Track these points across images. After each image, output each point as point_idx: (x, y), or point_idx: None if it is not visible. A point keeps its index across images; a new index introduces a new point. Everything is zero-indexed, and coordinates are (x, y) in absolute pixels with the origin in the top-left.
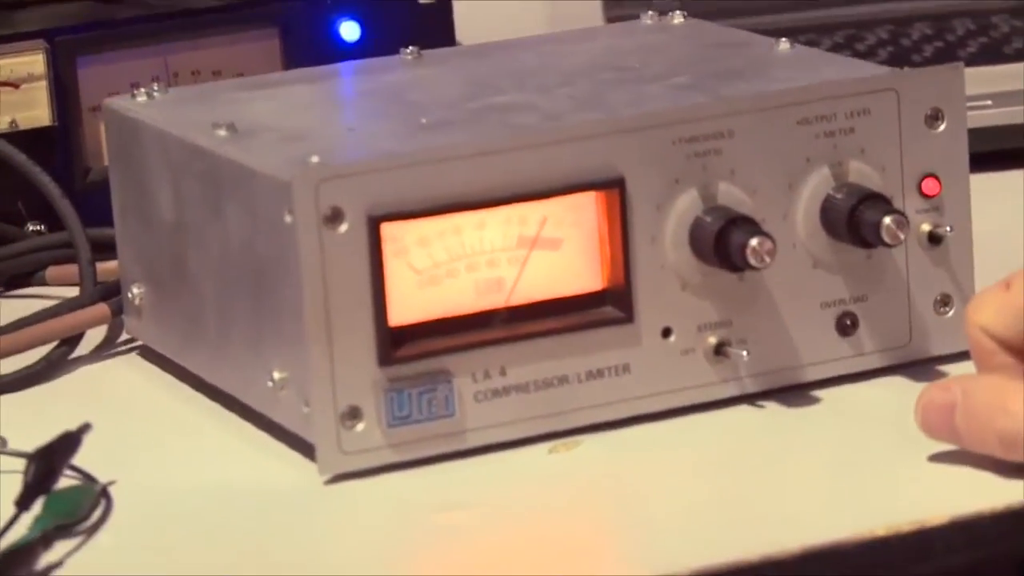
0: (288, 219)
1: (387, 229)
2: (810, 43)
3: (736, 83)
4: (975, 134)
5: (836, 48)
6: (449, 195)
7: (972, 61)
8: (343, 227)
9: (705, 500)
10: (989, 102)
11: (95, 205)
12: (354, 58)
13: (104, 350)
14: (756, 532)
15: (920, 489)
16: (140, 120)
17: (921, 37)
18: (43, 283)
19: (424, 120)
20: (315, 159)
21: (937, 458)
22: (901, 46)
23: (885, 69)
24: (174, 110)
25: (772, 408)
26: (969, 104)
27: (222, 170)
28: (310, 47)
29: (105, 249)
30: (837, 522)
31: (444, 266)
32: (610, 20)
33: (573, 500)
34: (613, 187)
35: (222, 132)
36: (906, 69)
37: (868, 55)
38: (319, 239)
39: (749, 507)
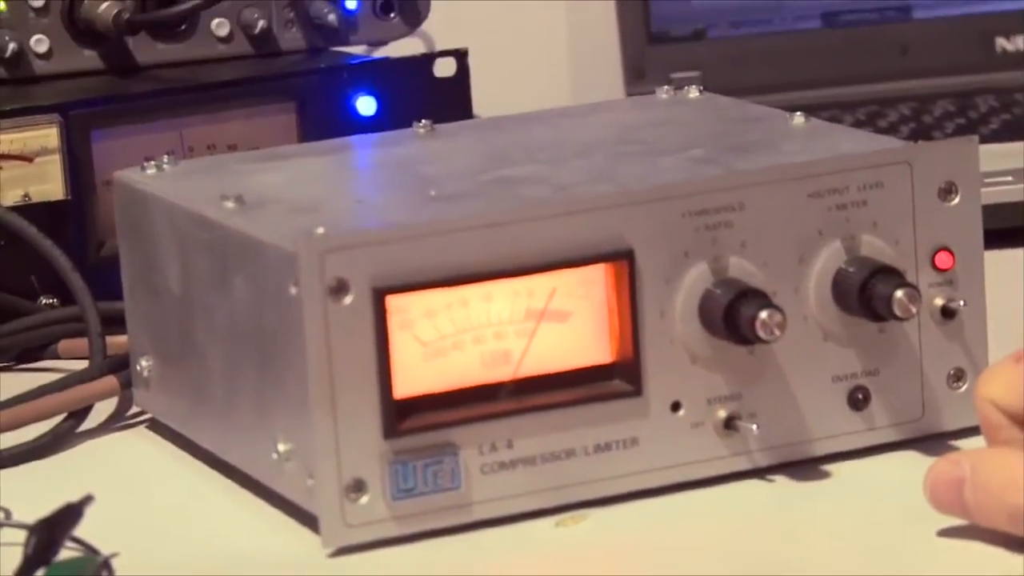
0: (293, 290)
1: (392, 301)
2: (832, 119)
3: (749, 156)
4: (996, 210)
5: (858, 124)
6: (456, 267)
7: (994, 138)
8: (348, 299)
9: (711, 575)
10: (1010, 178)
11: (109, 278)
12: (371, 132)
13: (113, 423)
14: None
15: (932, 564)
16: (149, 192)
17: (943, 114)
18: (55, 356)
19: (433, 192)
20: (320, 230)
21: (948, 533)
22: (923, 123)
23: (898, 142)
24: (183, 182)
25: (782, 482)
26: (990, 180)
27: (229, 241)
28: (326, 121)
29: (117, 322)
30: None
31: (450, 338)
32: (631, 94)
33: (579, 574)
34: (622, 260)
35: (230, 204)
36: (920, 142)
37: (890, 131)
38: (324, 311)
39: None
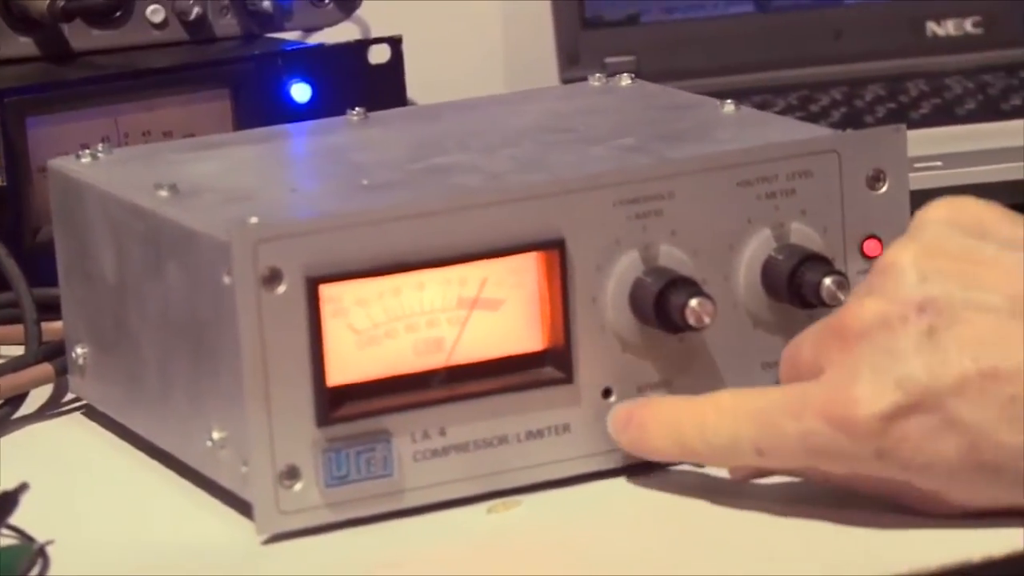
0: (226, 280)
1: (326, 290)
2: (764, 104)
3: (679, 144)
4: (926, 195)
5: (789, 109)
6: (388, 256)
7: (924, 122)
8: (281, 288)
9: (645, 560)
10: (940, 163)
11: (45, 265)
12: (306, 119)
13: (48, 410)
14: None
15: (855, 541)
16: (83, 180)
17: (875, 98)
18: None
19: (365, 181)
20: (254, 219)
21: (877, 515)
22: (854, 107)
23: (827, 131)
24: (117, 170)
25: (713, 468)
26: (920, 165)
27: (162, 230)
28: (261, 108)
29: (52, 309)
30: None
31: (383, 326)
32: (565, 81)
33: (512, 561)
34: (553, 248)
35: (163, 192)
36: (848, 131)
37: (821, 116)
38: (257, 300)
39: (689, 566)
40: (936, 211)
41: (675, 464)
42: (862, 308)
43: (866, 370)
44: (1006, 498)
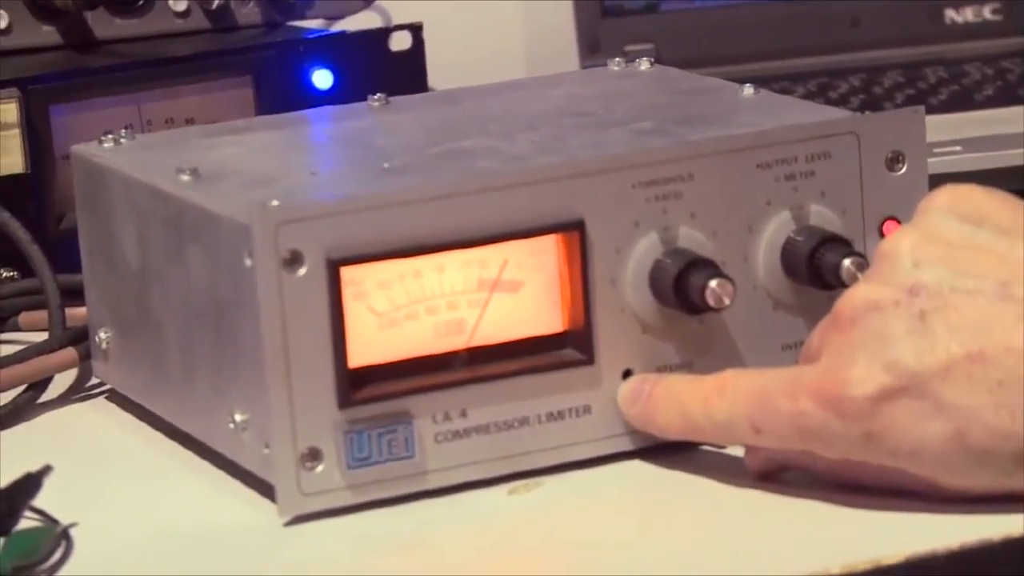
0: (248, 262)
1: (347, 272)
2: (783, 91)
3: (698, 127)
4: (945, 180)
5: (808, 96)
6: (409, 238)
7: (943, 108)
8: (302, 270)
9: (666, 541)
10: (959, 148)
11: (69, 251)
12: (326, 105)
13: (72, 394)
14: (713, 571)
15: (876, 529)
16: (106, 166)
17: (893, 85)
18: (16, 328)
19: (387, 164)
20: (275, 202)
21: (893, 498)
22: (873, 94)
23: (846, 113)
24: (140, 156)
25: (733, 449)
26: (939, 150)
27: (185, 214)
28: (283, 95)
29: (76, 295)
30: (794, 561)
31: (404, 309)
32: (585, 67)
33: (534, 542)
34: (573, 230)
35: (185, 177)
36: (867, 113)
37: (840, 103)
38: (278, 282)
39: (710, 548)
40: (937, 199)
41: (694, 445)
42: (856, 293)
43: (860, 353)
44: (998, 483)
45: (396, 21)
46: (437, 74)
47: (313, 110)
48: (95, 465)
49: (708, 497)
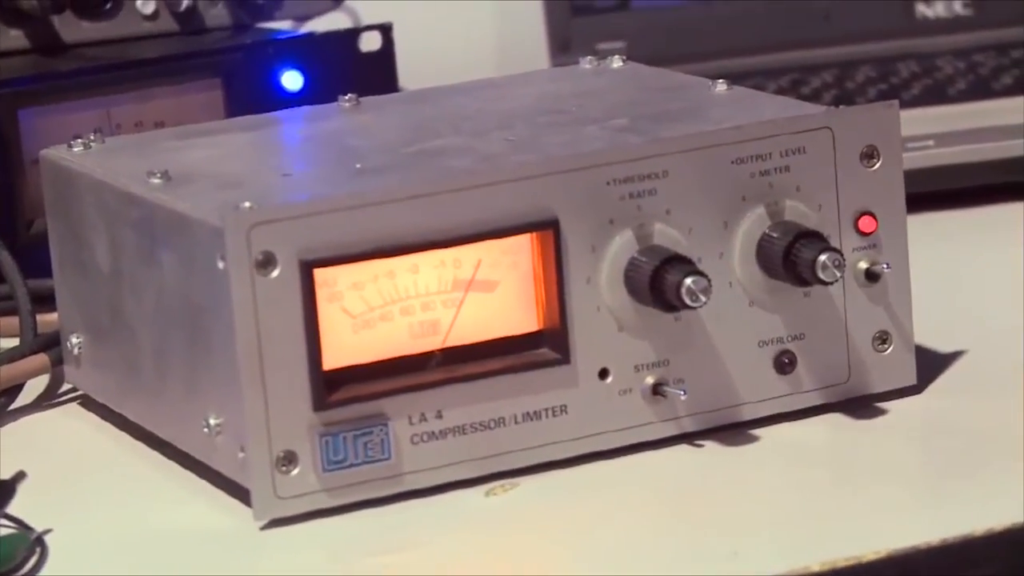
0: (220, 265)
1: (320, 274)
2: (756, 87)
3: (672, 124)
4: (918, 174)
5: (781, 92)
6: (382, 239)
7: (915, 102)
8: (275, 272)
9: (642, 540)
10: (931, 142)
11: (39, 257)
12: (296, 107)
13: (44, 400)
14: (693, 570)
15: (856, 525)
16: (76, 170)
17: (865, 80)
18: None
19: (359, 165)
20: (247, 204)
21: (873, 495)
22: (845, 89)
23: (820, 108)
24: (110, 159)
25: (710, 447)
26: (912, 144)
27: (156, 217)
28: (253, 97)
29: (47, 300)
30: (774, 559)
31: (378, 310)
32: (556, 66)
33: (511, 542)
34: (547, 228)
35: (156, 180)
36: (840, 107)
37: (813, 98)
38: (251, 284)
39: (686, 546)
40: None
41: (670, 443)
42: None
43: None
44: None
45: (366, 21)
46: (407, 74)
47: (284, 111)
48: (68, 471)
49: (687, 496)
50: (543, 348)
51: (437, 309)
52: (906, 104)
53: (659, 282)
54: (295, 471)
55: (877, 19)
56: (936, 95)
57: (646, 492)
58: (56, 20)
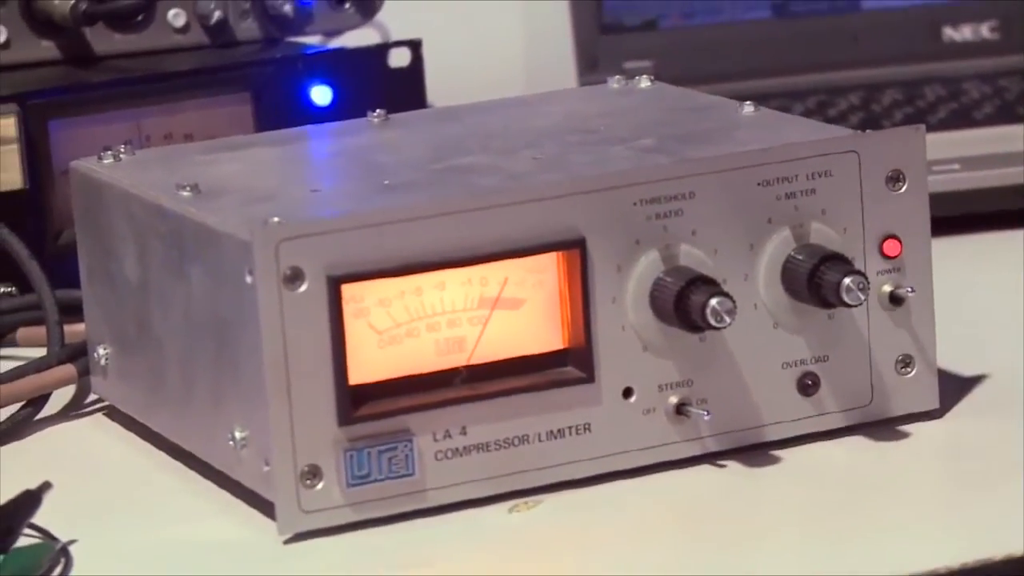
0: (248, 279)
1: (347, 289)
2: (782, 108)
3: (699, 145)
4: (944, 198)
5: (807, 113)
6: (410, 255)
7: (941, 126)
8: (303, 287)
9: (664, 559)
10: (957, 166)
11: (67, 267)
12: (326, 122)
13: (71, 410)
14: None
15: (876, 548)
16: (106, 182)
17: (892, 103)
18: (14, 344)
19: (387, 181)
20: (275, 219)
21: (893, 518)
22: (872, 111)
23: (846, 131)
24: (139, 172)
25: (733, 467)
26: (938, 168)
27: (185, 230)
28: (282, 111)
29: (75, 311)
30: None
31: (405, 326)
32: (584, 84)
33: (534, 560)
34: (574, 248)
35: (186, 193)
36: (867, 131)
37: (839, 120)
38: (279, 299)
39: (709, 566)
40: None
41: (690, 463)
42: None
43: None
44: None
45: (395, 38)
46: (436, 91)
47: (313, 126)
48: (94, 482)
49: (709, 516)
50: (568, 366)
51: (463, 326)
52: (932, 128)
53: (684, 302)
54: (319, 485)
55: (904, 42)
56: (962, 119)
57: (669, 511)
58: (88, 32)
